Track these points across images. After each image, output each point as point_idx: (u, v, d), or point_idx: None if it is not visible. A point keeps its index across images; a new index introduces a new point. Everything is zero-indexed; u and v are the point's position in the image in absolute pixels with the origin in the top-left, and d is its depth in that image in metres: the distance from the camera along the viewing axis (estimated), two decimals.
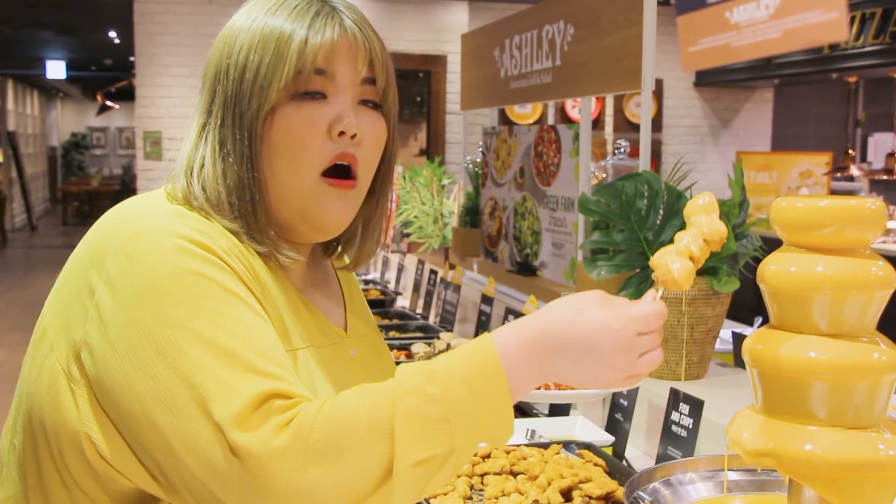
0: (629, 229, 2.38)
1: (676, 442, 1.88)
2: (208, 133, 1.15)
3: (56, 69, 16.33)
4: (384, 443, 0.92)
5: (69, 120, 24.82)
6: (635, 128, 9.15)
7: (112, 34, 12.91)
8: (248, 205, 1.11)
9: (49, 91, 22.69)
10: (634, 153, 3.51)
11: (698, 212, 1.14)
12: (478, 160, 4.19)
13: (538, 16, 3.50)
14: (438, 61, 8.62)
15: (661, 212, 2.36)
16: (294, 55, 1.11)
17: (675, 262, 1.08)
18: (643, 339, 1.00)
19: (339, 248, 1.30)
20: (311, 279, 1.25)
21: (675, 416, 1.91)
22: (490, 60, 4.01)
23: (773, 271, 1.06)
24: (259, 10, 1.16)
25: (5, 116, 17.65)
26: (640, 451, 2.24)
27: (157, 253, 1.00)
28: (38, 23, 12.12)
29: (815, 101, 9.19)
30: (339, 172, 1.14)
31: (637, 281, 2.33)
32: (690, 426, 1.85)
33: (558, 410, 2.49)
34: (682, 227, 2.30)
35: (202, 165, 1.13)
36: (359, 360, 1.22)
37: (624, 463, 2.07)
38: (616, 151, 3.20)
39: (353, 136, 1.13)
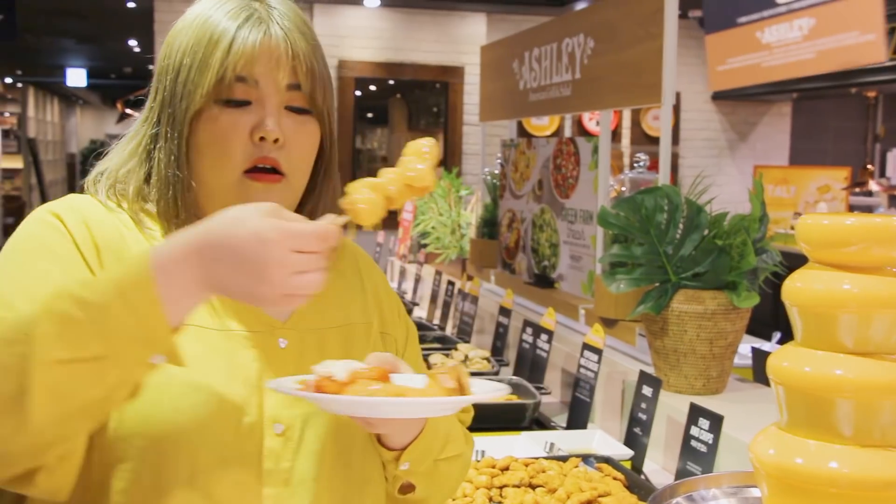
0: (648, 243, 2.38)
1: (696, 457, 1.87)
2: (142, 129, 1.23)
3: (77, 77, 16.45)
4: (22, 343, 0.92)
5: (88, 127, 24.98)
6: (652, 140, 9.14)
7: (132, 43, 13.00)
8: (169, 201, 1.18)
9: (69, 98, 22.86)
10: (653, 166, 3.51)
11: (412, 154, 1.11)
12: (496, 172, 4.20)
13: (558, 29, 3.51)
14: (456, 72, 8.64)
15: (681, 226, 2.36)
16: (216, 63, 1.15)
17: (364, 193, 1.06)
18: (300, 257, 0.96)
19: None
20: None
21: (694, 430, 1.91)
22: (509, 72, 4.02)
23: (799, 288, 1.06)
24: (202, 7, 1.21)
25: (26, 123, 17.79)
26: (658, 466, 2.24)
27: (25, 223, 1.16)
28: (60, 31, 12.22)
29: (834, 115, 9.16)
30: (263, 171, 1.18)
31: (657, 294, 2.33)
32: (710, 441, 1.85)
33: (576, 423, 2.49)
34: (702, 240, 2.32)
35: (125, 161, 1.23)
36: (291, 351, 1.20)
37: (642, 477, 2.06)
38: (635, 165, 3.20)
39: (275, 141, 1.17)
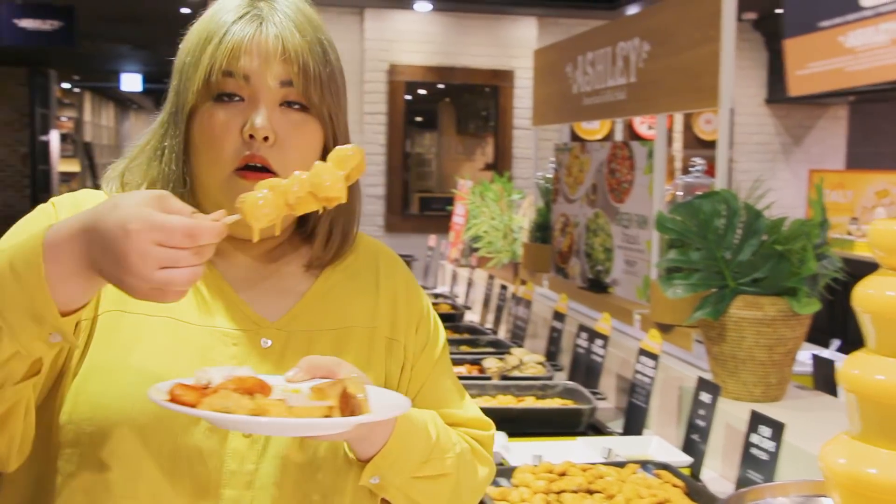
0: (706, 248, 2.36)
1: (757, 465, 1.85)
2: (155, 128, 1.26)
3: (131, 82, 16.73)
4: None
5: (141, 131, 25.37)
6: (705, 144, 9.04)
7: None
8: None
9: (123, 103, 23.27)
10: (706, 171, 3.47)
11: (333, 159, 1.06)
12: (549, 176, 4.19)
13: (612, 32, 3.50)
14: (506, 76, 8.63)
15: (739, 231, 2.34)
16: (206, 59, 1.16)
17: (262, 193, 1.00)
18: (164, 251, 0.92)
19: (317, 244, 1.28)
20: (258, 272, 1.25)
21: (755, 438, 1.89)
22: (562, 76, 4.02)
23: (871, 295, 1.04)
24: (212, 7, 1.22)
25: (82, 128, 18.13)
26: (716, 474, 2.21)
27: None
28: (116, 37, 12.43)
29: (893, 118, 8.98)
30: (253, 169, 1.17)
31: (715, 300, 2.31)
32: (772, 449, 1.83)
33: (632, 429, 2.48)
34: (761, 245, 2.29)
35: (134, 157, 1.26)
36: (273, 351, 1.19)
37: (701, 485, 2.04)
38: (691, 169, 3.18)
39: (265, 139, 1.15)
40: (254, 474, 1.14)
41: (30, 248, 0.96)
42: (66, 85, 18.19)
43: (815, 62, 2.62)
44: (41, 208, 1.21)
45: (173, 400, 0.99)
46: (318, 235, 1.26)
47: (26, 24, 8.61)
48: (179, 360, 1.13)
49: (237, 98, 1.17)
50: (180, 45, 1.23)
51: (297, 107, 1.18)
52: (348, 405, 0.99)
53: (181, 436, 1.12)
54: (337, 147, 1.08)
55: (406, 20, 8.42)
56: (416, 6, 8.30)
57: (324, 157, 1.20)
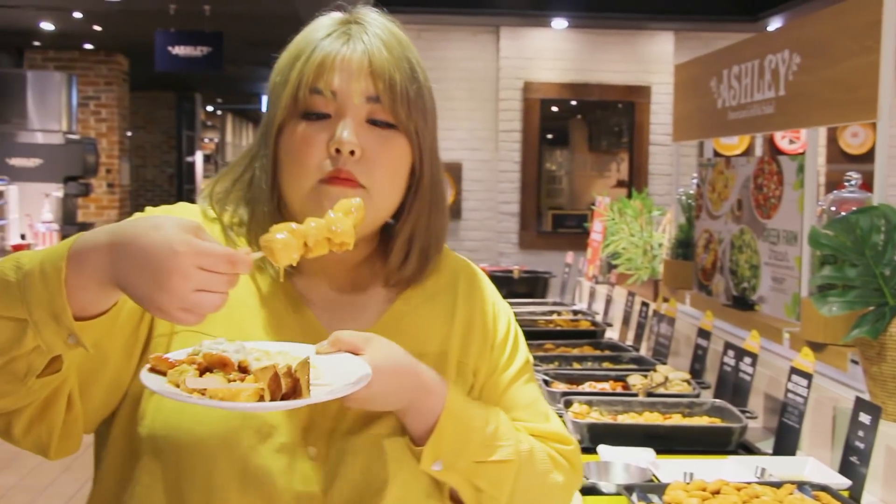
0: (863, 264, 2.29)
1: None
2: (246, 148, 1.29)
3: None
4: None
5: None
6: (850, 158, 8.72)
7: None
8: (261, 213, 1.22)
9: None
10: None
11: (340, 210, 1.10)
12: (691, 192, 4.13)
13: (760, 45, 3.43)
14: (642, 92, 8.54)
15: None
16: (294, 76, 1.19)
17: (282, 234, 1.04)
18: (204, 274, 0.95)
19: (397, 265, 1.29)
20: (339, 293, 1.27)
21: None
22: (706, 91, 3.96)
23: None
24: (302, 31, 1.25)
25: (224, 148, 18.88)
26: (875, 499, 2.13)
27: None
28: (259, 61, 12.93)
29: None
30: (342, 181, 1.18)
31: (873, 318, 2.23)
32: None
33: (783, 449, 2.41)
34: None
35: (225, 175, 1.30)
36: None
37: None
38: (846, 183, 3.08)
39: (352, 153, 1.16)
40: (320, 498, 1.15)
41: (58, 252, 1.01)
42: (209, 108, 19.00)
43: None
44: (132, 217, 1.25)
45: (151, 369, 1.06)
46: (392, 252, 1.27)
47: (179, 50, 9.05)
48: None
49: (325, 115, 1.18)
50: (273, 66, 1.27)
51: (383, 124, 1.19)
52: (280, 388, 1.02)
53: (250, 457, 1.13)
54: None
55: (541, 38, 8.44)
56: (553, 24, 8.32)
57: (411, 175, 1.24)
